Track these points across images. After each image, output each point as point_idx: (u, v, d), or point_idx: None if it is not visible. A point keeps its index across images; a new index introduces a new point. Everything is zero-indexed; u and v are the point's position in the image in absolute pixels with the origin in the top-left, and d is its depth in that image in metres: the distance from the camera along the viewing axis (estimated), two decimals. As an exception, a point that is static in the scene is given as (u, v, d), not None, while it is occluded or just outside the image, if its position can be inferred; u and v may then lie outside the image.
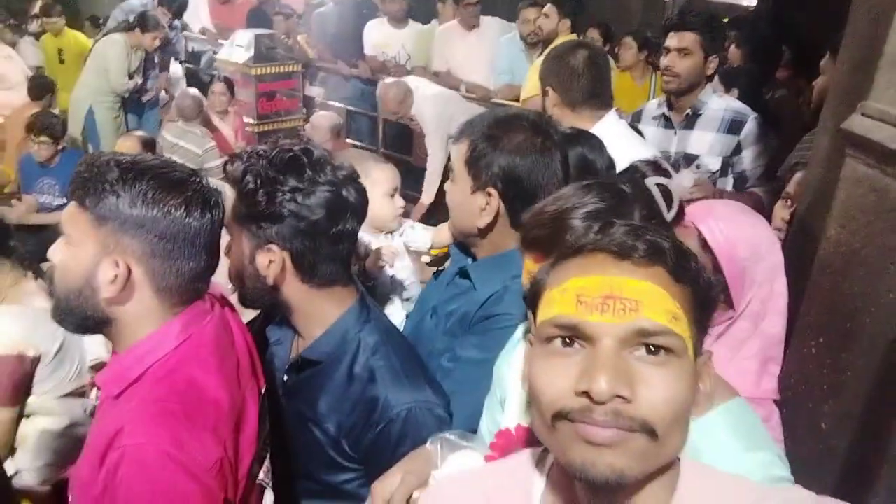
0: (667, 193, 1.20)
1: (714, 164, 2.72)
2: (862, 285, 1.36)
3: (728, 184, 2.77)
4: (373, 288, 1.99)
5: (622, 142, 2.03)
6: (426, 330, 1.61)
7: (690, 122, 2.73)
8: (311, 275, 1.30)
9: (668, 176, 1.29)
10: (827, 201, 1.77)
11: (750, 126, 2.67)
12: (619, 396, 0.70)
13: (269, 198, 1.22)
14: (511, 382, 1.25)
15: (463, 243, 1.60)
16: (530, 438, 1.15)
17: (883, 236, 1.31)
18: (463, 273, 1.55)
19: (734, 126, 2.69)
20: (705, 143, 2.71)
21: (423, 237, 2.39)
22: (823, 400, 1.49)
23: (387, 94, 4.63)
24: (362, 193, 1.33)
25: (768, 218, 1.94)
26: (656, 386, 0.71)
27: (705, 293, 0.77)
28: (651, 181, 1.20)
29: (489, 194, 1.46)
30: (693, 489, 0.78)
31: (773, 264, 1.49)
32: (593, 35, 4.90)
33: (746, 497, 0.77)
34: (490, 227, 1.49)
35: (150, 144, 4.09)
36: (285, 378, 1.41)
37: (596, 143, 1.72)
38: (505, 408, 1.25)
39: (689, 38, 2.62)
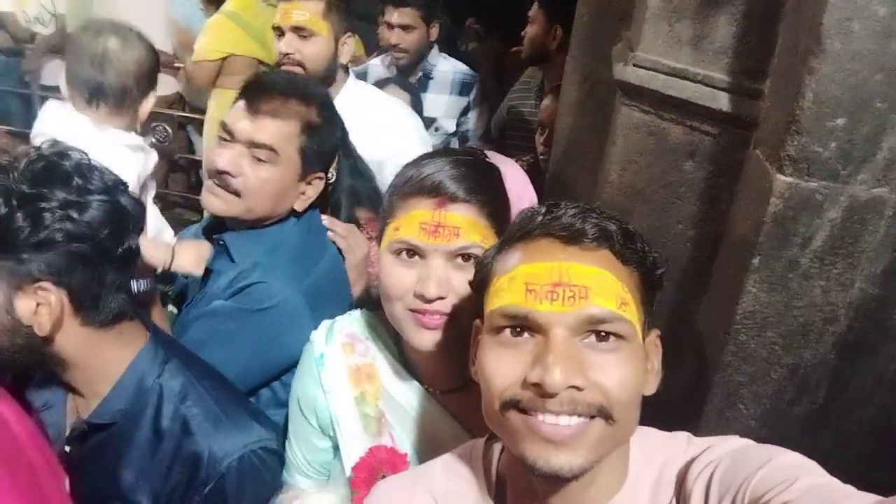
0: None
1: (450, 126, 2.80)
2: (649, 220, 1.47)
3: (455, 144, 2.87)
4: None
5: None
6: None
7: (423, 85, 2.75)
8: (94, 314, 1.02)
9: None
10: (584, 147, 1.90)
11: (478, 88, 2.80)
12: (572, 386, 0.69)
13: (33, 220, 0.91)
14: (337, 403, 1.12)
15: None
16: (393, 457, 1.09)
17: (666, 175, 1.43)
18: (221, 249, 1.41)
19: (465, 88, 2.80)
20: (441, 106, 2.76)
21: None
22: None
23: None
24: (137, 200, 1.08)
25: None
26: (609, 372, 0.71)
27: (651, 273, 0.78)
28: None
29: (319, 178, 1.40)
30: (637, 460, 0.79)
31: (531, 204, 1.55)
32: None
33: (687, 451, 0.78)
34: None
35: None
36: (67, 449, 1.10)
37: None
38: (339, 431, 1.12)
39: (409, 14, 2.59)
